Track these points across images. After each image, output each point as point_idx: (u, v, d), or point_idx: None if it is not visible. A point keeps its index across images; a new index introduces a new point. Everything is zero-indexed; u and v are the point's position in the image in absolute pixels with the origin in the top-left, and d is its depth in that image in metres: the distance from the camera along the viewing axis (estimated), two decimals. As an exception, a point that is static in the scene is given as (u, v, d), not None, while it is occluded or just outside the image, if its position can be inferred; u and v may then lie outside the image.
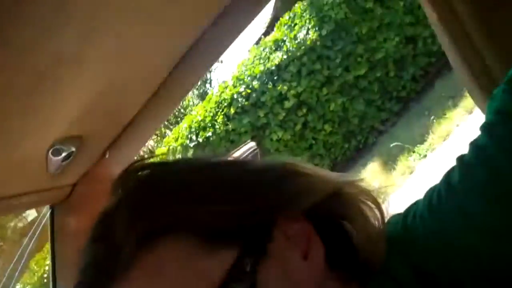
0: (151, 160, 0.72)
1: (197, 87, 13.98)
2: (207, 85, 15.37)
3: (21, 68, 0.74)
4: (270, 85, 7.83)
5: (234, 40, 1.31)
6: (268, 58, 8.08)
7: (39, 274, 8.31)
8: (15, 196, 1.12)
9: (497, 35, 1.14)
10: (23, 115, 0.87)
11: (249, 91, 7.94)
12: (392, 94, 8.06)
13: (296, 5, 8.36)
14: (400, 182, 6.47)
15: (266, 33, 9.53)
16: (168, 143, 8.66)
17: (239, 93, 7.99)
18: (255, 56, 8.35)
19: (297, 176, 0.69)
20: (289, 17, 8.35)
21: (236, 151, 1.88)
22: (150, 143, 11.90)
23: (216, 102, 8.18)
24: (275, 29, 8.62)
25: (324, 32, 7.74)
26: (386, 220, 0.75)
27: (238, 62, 8.68)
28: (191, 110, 10.63)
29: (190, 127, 8.26)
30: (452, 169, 0.70)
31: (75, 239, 1.26)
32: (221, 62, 12.68)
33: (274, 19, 10.07)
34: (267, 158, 0.77)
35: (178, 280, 0.58)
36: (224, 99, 8.08)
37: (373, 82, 7.89)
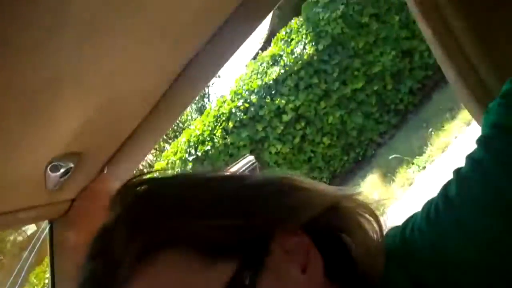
0: (150, 175, 0.72)
1: (195, 101, 14.00)
2: (205, 100, 15.39)
3: (19, 86, 0.74)
4: (268, 99, 7.84)
5: (232, 55, 1.32)
6: (266, 72, 8.10)
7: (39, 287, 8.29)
8: (14, 211, 1.12)
9: (491, 49, 1.14)
10: (21, 132, 0.88)
11: (247, 105, 7.95)
12: (390, 107, 8.08)
13: (293, 20, 8.40)
14: (400, 194, 6.46)
15: (263, 48, 9.56)
16: (167, 157, 8.65)
17: (237, 107, 8.00)
18: (252, 71, 8.37)
19: (295, 190, 0.70)
20: (286, 33, 8.38)
21: (234, 164, 1.87)
22: (149, 157, 11.89)
23: (214, 117, 8.19)
24: (272, 44, 8.64)
25: (320, 47, 7.77)
26: (384, 233, 0.75)
27: (236, 77, 8.70)
28: (190, 125, 10.63)
29: (188, 141, 8.26)
30: (449, 182, 0.71)
31: (74, 253, 1.25)
32: (219, 77, 12.71)
33: (271, 34, 10.11)
34: (266, 172, 0.77)
35: None
36: (223, 113, 8.09)
37: (370, 96, 7.91)
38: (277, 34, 8.62)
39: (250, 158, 1.96)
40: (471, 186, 0.67)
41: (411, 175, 6.64)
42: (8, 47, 0.64)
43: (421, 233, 0.69)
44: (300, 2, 8.63)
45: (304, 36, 8.01)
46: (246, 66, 8.80)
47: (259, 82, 8.01)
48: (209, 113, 8.41)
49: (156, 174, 0.77)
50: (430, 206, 0.71)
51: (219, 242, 0.61)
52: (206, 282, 0.58)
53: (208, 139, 8.05)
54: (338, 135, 7.96)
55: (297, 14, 8.50)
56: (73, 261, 1.21)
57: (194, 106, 14.92)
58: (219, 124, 8.04)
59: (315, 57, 7.80)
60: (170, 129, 12.75)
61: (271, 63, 8.19)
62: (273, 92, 7.88)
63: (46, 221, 1.34)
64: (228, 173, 0.78)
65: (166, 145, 12.37)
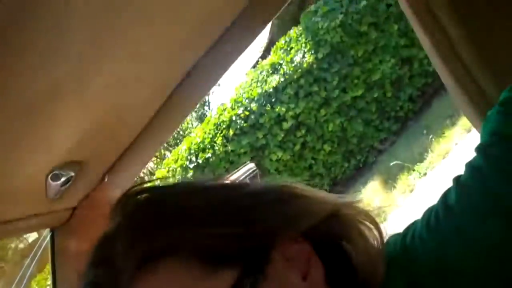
0: (150, 183, 0.73)
1: (195, 109, 14.00)
2: (206, 108, 15.40)
3: (20, 97, 0.75)
4: (268, 107, 7.84)
5: (232, 64, 1.33)
6: (266, 81, 8.11)
7: (41, 295, 8.32)
8: (15, 220, 1.12)
9: (489, 57, 1.15)
10: (22, 142, 0.88)
11: (247, 113, 7.95)
12: (390, 114, 8.08)
13: (292, 29, 8.42)
14: (401, 200, 6.46)
15: (263, 57, 9.58)
16: (167, 164, 8.65)
17: (237, 115, 8.00)
18: (252, 79, 8.38)
19: (295, 198, 0.70)
20: (285, 41, 8.40)
21: (235, 172, 1.88)
22: (150, 164, 11.88)
23: (215, 124, 8.19)
24: (271, 53, 8.65)
25: (320, 55, 7.77)
26: (385, 240, 0.75)
27: (236, 85, 8.71)
28: (190, 132, 10.62)
29: (189, 148, 8.26)
30: (449, 190, 0.71)
31: (75, 261, 1.25)
32: (219, 85, 12.73)
33: (270, 43, 10.13)
34: (266, 180, 0.78)
35: None
36: (223, 121, 8.09)
37: (370, 103, 7.91)
38: (277, 43, 8.64)
39: (251, 165, 1.97)
40: (470, 194, 0.67)
41: (412, 182, 6.63)
42: (9, 60, 0.65)
43: (421, 241, 0.70)
44: (299, 11, 8.66)
45: (303, 45, 8.02)
46: (246, 74, 8.80)
47: (259, 90, 8.02)
48: (209, 121, 8.42)
49: (156, 182, 0.77)
50: (430, 213, 0.71)
51: (219, 250, 0.61)
52: None
53: (209, 146, 8.05)
54: (338, 142, 7.96)
55: (296, 23, 8.51)
56: (74, 268, 1.21)
57: (194, 114, 14.93)
58: (219, 132, 8.05)
59: (314, 66, 7.80)
60: (171, 137, 12.75)
61: (270, 72, 8.19)
62: (273, 100, 7.89)
63: (48, 229, 1.34)
64: (228, 181, 0.78)
65: (167, 153, 12.37)
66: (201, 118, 14.23)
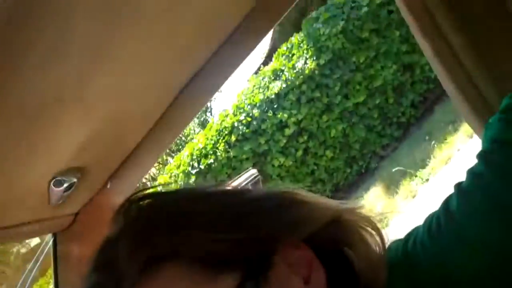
0: (153, 189, 0.73)
1: (197, 115, 14.02)
2: (208, 114, 15.41)
3: (25, 104, 0.75)
4: (270, 113, 7.86)
5: (234, 71, 1.33)
6: (268, 87, 8.12)
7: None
8: (18, 225, 1.12)
9: (490, 65, 1.15)
10: (24, 149, 0.89)
11: (249, 119, 7.96)
12: (392, 120, 8.09)
13: (293, 36, 8.43)
14: (403, 206, 6.46)
15: (265, 63, 9.59)
16: (170, 170, 8.66)
17: (239, 121, 8.01)
18: (254, 86, 8.40)
19: (296, 204, 0.70)
20: (287, 48, 8.42)
21: (237, 178, 1.88)
22: (152, 170, 11.88)
23: (217, 130, 8.20)
24: (273, 59, 8.66)
25: (322, 62, 7.79)
26: (386, 245, 0.75)
27: (238, 91, 8.72)
28: (192, 138, 10.63)
29: (191, 154, 8.27)
30: (450, 196, 0.72)
31: (77, 266, 1.26)
32: (221, 91, 12.74)
33: (272, 50, 10.14)
34: (268, 186, 0.78)
35: None
36: (225, 127, 8.10)
37: (372, 109, 7.93)
38: (278, 49, 8.66)
39: (253, 171, 1.97)
40: (472, 200, 0.68)
41: (414, 187, 6.63)
42: (12, 68, 0.65)
43: (423, 247, 0.70)
44: (301, 18, 8.68)
45: (305, 51, 8.04)
46: (248, 80, 8.81)
47: (261, 97, 8.03)
48: (211, 127, 8.43)
49: (159, 188, 0.78)
50: (432, 219, 0.72)
51: (221, 255, 0.61)
52: None
53: (211, 152, 8.06)
54: (341, 148, 7.97)
55: (298, 30, 8.54)
56: (77, 273, 1.21)
57: (196, 120, 14.93)
58: (221, 138, 8.06)
59: (316, 72, 7.82)
60: (173, 143, 12.75)
61: (272, 78, 8.21)
62: (275, 106, 7.90)
63: (50, 234, 1.35)
64: (229, 188, 0.79)
65: (169, 159, 12.37)
66: (203, 124, 14.23)
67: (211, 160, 7.98)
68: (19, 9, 0.58)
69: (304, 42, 8.11)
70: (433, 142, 6.98)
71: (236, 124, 8.02)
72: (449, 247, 0.67)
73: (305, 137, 7.81)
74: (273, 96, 7.94)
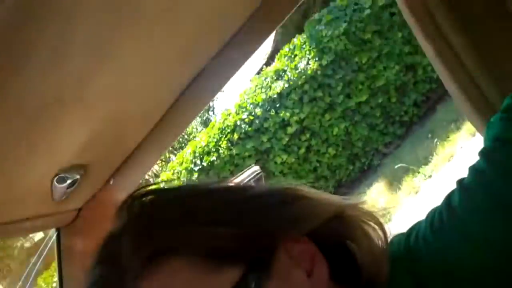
0: (155, 185, 0.73)
1: (200, 114, 14.01)
2: (210, 113, 15.40)
3: (27, 104, 0.76)
4: (272, 112, 7.87)
5: (237, 71, 1.33)
6: (270, 87, 8.13)
7: (47, 292, 8.35)
8: (22, 220, 1.13)
9: (492, 65, 1.16)
10: (27, 147, 0.90)
11: (252, 118, 7.97)
12: (395, 119, 8.10)
13: (296, 37, 8.43)
14: (406, 201, 6.47)
15: (267, 64, 9.59)
16: (172, 167, 8.67)
17: (242, 119, 8.02)
18: (257, 85, 8.40)
19: (298, 200, 0.71)
20: (289, 49, 8.41)
21: (240, 174, 1.89)
22: (155, 167, 11.90)
23: (219, 129, 8.21)
24: (275, 60, 8.66)
25: (324, 62, 7.80)
26: (389, 240, 0.76)
27: (240, 91, 8.73)
28: (195, 137, 10.63)
29: (194, 152, 8.28)
30: (453, 192, 0.73)
31: (81, 260, 1.26)
32: (223, 91, 12.70)
33: (275, 51, 10.14)
34: (271, 182, 0.78)
35: None
36: (227, 126, 8.11)
37: (375, 108, 7.93)
38: (281, 50, 8.66)
39: (256, 168, 1.97)
40: (473, 196, 0.69)
41: (417, 184, 6.64)
42: (12, 69, 0.66)
43: (425, 242, 0.71)
44: (303, 20, 8.68)
45: (307, 52, 8.04)
46: (250, 81, 8.82)
47: (263, 96, 8.04)
48: (214, 125, 8.43)
49: (161, 185, 0.78)
50: (434, 215, 0.73)
51: (224, 249, 0.62)
52: (213, 286, 0.60)
53: (213, 150, 8.07)
54: (343, 146, 7.98)
55: (300, 31, 8.54)
56: (80, 267, 1.22)
57: (199, 119, 14.92)
58: (224, 136, 8.06)
59: (318, 72, 7.83)
60: (176, 141, 12.76)
61: (275, 78, 8.21)
62: (277, 105, 7.91)
63: (54, 229, 1.36)
64: (232, 184, 0.79)
65: (172, 156, 12.38)
66: (205, 123, 14.23)
67: (214, 158, 7.99)
68: (19, 10, 0.59)
69: (307, 43, 8.12)
70: (435, 140, 6.99)
71: (238, 123, 8.03)
72: (451, 243, 0.68)
73: (308, 135, 7.82)
74: (275, 96, 7.95)
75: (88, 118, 0.98)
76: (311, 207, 0.70)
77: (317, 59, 7.87)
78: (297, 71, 7.93)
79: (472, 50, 1.15)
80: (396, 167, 7.13)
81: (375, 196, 7.01)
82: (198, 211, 0.67)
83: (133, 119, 1.19)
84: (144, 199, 0.69)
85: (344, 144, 7.97)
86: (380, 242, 0.74)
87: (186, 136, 13.99)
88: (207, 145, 8.16)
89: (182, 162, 8.43)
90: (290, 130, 7.77)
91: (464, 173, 0.74)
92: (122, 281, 0.61)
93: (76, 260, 1.31)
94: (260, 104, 8.02)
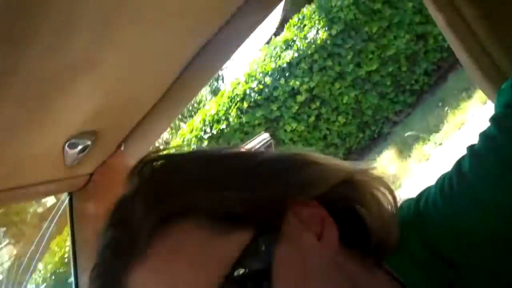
0: (166, 151, 0.74)
1: (209, 83, 13.96)
2: (220, 82, 15.34)
3: (38, 72, 0.76)
4: (282, 81, 7.85)
5: (245, 40, 1.33)
6: (279, 56, 8.09)
7: (60, 255, 8.44)
8: (34, 185, 1.15)
9: (504, 35, 1.15)
10: (38, 113, 0.90)
11: (261, 86, 7.96)
12: (405, 87, 8.06)
13: (305, 7, 8.35)
14: (416, 169, 6.47)
15: (276, 34, 9.51)
16: (182, 135, 8.70)
17: (251, 88, 8.01)
18: (266, 55, 8.36)
19: (308, 165, 0.71)
20: (299, 19, 8.36)
21: (250, 142, 1.89)
22: (165, 135, 11.93)
23: (229, 97, 8.20)
24: (285, 29, 8.60)
25: (334, 32, 7.77)
26: (398, 204, 0.76)
27: (249, 60, 8.68)
28: (205, 105, 10.63)
29: (204, 120, 8.29)
30: (463, 157, 0.73)
31: (93, 223, 1.28)
32: (232, 60, 12.62)
33: (284, 20, 10.04)
34: (281, 149, 0.79)
35: (195, 259, 0.60)
36: (237, 95, 8.10)
37: (385, 77, 7.90)
38: (290, 20, 8.59)
39: (265, 135, 1.98)
40: (484, 161, 0.69)
41: (427, 151, 6.63)
42: (25, 36, 0.66)
43: (435, 207, 0.72)
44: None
45: (316, 22, 7.98)
46: (259, 50, 8.77)
47: (273, 65, 8.01)
48: (223, 94, 8.43)
49: (172, 151, 0.79)
50: (444, 180, 0.73)
51: (234, 213, 0.63)
52: (223, 248, 0.60)
53: (223, 118, 8.08)
54: (353, 114, 7.97)
55: (309, 1, 8.46)
56: (92, 230, 1.24)
57: (208, 88, 14.89)
58: (234, 105, 8.06)
59: (328, 41, 7.79)
60: (185, 109, 12.76)
61: (284, 47, 8.17)
62: (287, 74, 7.89)
63: (66, 194, 1.38)
64: (243, 150, 0.80)
65: (182, 124, 12.40)
66: (215, 92, 14.20)
67: (224, 126, 8.00)
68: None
69: (316, 13, 8.05)
70: (446, 108, 6.96)
71: (248, 92, 8.03)
72: (461, 209, 0.69)
73: (318, 104, 7.81)
74: (285, 65, 7.92)
75: (98, 85, 0.98)
76: (321, 172, 0.71)
77: (326, 28, 7.83)
78: (306, 41, 7.89)
79: (484, 19, 1.14)
80: (406, 135, 7.12)
81: (385, 164, 7.01)
82: (209, 175, 0.67)
83: (142, 87, 1.20)
84: (155, 163, 0.70)
85: (354, 112, 7.96)
86: (389, 207, 0.75)
87: (195, 105, 13.98)
88: (217, 113, 8.17)
89: (192, 130, 8.45)
90: (300, 98, 7.75)
91: (475, 140, 0.74)
92: (133, 243, 0.61)
93: (88, 224, 1.33)
94: (269, 73, 8.00)
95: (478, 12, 1.13)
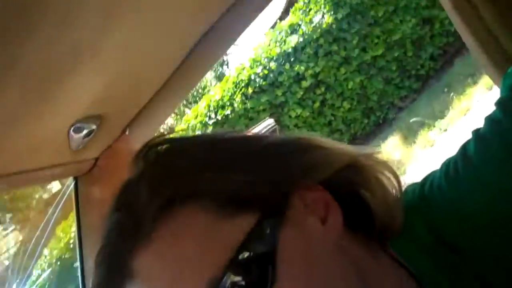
0: (171, 135, 0.74)
1: (214, 69, 13.94)
2: (224, 67, 15.30)
3: (42, 56, 0.76)
4: (287, 66, 7.82)
5: (249, 25, 1.33)
6: (284, 41, 8.07)
7: (65, 240, 8.49)
8: (40, 169, 1.15)
9: (510, 17, 1.14)
10: (45, 97, 0.90)
11: (266, 72, 7.94)
12: (411, 73, 8.03)
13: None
14: (421, 155, 6.47)
15: (281, 18, 9.47)
16: (187, 121, 8.70)
17: (256, 73, 7.99)
18: (271, 40, 8.34)
19: (312, 149, 0.71)
20: (304, 3, 8.31)
21: (255, 127, 1.90)
22: (170, 121, 11.94)
23: (233, 83, 8.19)
24: (290, 14, 8.56)
25: (339, 16, 7.74)
26: (403, 189, 0.76)
27: (254, 46, 8.65)
28: (209, 91, 10.62)
29: (208, 105, 8.29)
30: (468, 141, 0.73)
31: (98, 208, 1.29)
32: (237, 45, 12.56)
33: (289, 5, 9.98)
34: (285, 133, 0.79)
35: (199, 242, 0.60)
36: (242, 80, 8.09)
37: (391, 62, 7.87)
38: (295, 4, 8.54)
39: (270, 121, 1.97)
40: (489, 145, 0.69)
41: (432, 137, 6.62)
42: (31, 20, 0.66)
43: (440, 191, 0.71)
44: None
45: (322, 6, 7.94)
46: (264, 35, 8.74)
47: (278, 50, 7.99)
48: (228, 79, 8.41)
49: (177, 135, 0.79)
50: (449, 164, 0.73)
51: (238, 196, 0.63)
52: (228, 232, 0.60)
53: (228, 104, 8.07)
54: (358, 100, 7.95)
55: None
56: (98, 214, 1.25)
57: (213, 74, 14.87)
58: (238, 90, 8.05)
59: (334, 26, 7.76)
60: (190, 94, 12.75)
61: (289, 32, 8.14)
62: (292, 59, 7.86)
63: (71, 178, 1.38)
64: (247, 134, 0.80)
65: (187, 110, 12.40)
66: (219, 78, 14.17)
67: (228, 111, 8.00)
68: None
69: (322, -3, 8.01)
70: (452, 94, 6.93)
71: (252, 77, 8.01)
72: (467, 193, 0.69)
73: (323, 89, 7.79)
74: (290, 50, 7.90)
75: (103, 69, 0.98)
76: (325, 156, 0.70)
77: (332, 13, 7.78)
78: (312, 25, 7.86)
79: (490, 3, 1.14)
80: (411, 121, 7.10)
81: (389, 150, 7.00)
82: (213, 159, 0.68)
83: (147, 71, 1.20)
84: (159, 147, 0.70)
85: (359, 98, 7.94)
86: (394, 191, 0.75)
87: (200, 90, 13.97)
88: (222, 99, 8.16)
89: (196, 116, 8.45)
90: (304, 84, 7.74)
91: (480, 126, 0.74)
92: (138, 227, 0.62)
93: (94, 208, 1.34)
94: (274, 58, 7.97)
95: None
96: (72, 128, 1.10)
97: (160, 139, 0.71)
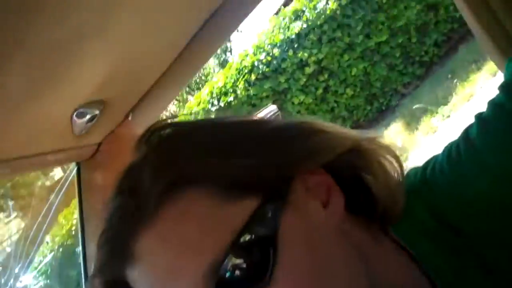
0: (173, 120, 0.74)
1: (217, 55, 13.89)
2: (228, 54, 15.25)
3: (46, 38, 0.76)
4: (290, 53, 7.79)
5: (252, 11, 1.33)
6: (288, 27, 8.03)
7: (67, 227, 8.53)
8: (43, 154, 1.16)
9: None
10: (48, 81, 0.91)
11: (269, 58, 7.91)
12: (415, 59, 8.00)
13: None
14: (424, 141, 6.46)
15: (285, 4, 9.42)
16: (190, 108, 8.69)
17: (259, 60, 7.96)
18: (274, 26, 8.30)
19: (315, 133, 0.71)
20: (308, -11, 8.26)
21: (258, 113, 1.89)
22: (172, 108, 11.93)
23: (237, 69, 8.17)
24: (294, 0, 8.51)
25: (344, 2, 7.69)
26: (405, 173, 0.76)
27: (258, 32, 8.61)
28: (212, 77, 10.60)
29: (211, 92, 8.28)
30: (471, 125, 0.73)
31: (100, 193, 1.30)
32: (241, 31, 12.51)
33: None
34: (288, 118, 0.79)
35: (201, 225, 0.60)
36: (245, 67, 8.06)
37: (395, 48, 7.83)
38: (299, -10, 8.50)
39: (273, 107, 1.97)
40: (492, 128, 0.69)
41: (435, 124, 6.61)
42: (32, 6, 0.66)
43: (442, 174, 0.72)
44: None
45: (326, -8, 7.90)
46: (268, 21, 8.70)
47: (281, 37, 7.96)
48: (231, 66, 8.39)
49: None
50: (451, 148, 0.73)
51: (241, 180, 0.63)
52: (230, 215, 0.60)
53: (231, 90, 8.06)
54: (361, 86, 7.92)
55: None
56: (100, 200, 1.25)
57: (216, 61, 14.83)
58: (241, 77, 8.03)
59: (338, 12, 7.72)
60: (193, 81, 12.72)
61: (293, 18, 8.10)
62: (295, 46, 7.83)
63: (74, 164, 1.39)
64: (249, 118, 0.80)
65: (189, 97, 12.39)
66: (223, 65, 14.13)
67: (231, 98, 7.99)
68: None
69: (326, -17, 7.96)
70: (455, 80, 6.91)
71: (256, 63, 7.98)
72: (469, 176, 0.69)
73: (326, 76, 7.77)
74: (293, 36, 7.86)
75: (106, 54, 0.98)
76: (327, 140, 0.70)
77: (336, -1, 7.75)
78: (316, 11, 7.81)
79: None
80: (414, 107, 7.09)
81: (392, 136, 6.99)
82: (216, 143, 0.68)
83: (150, 56, 1.20)
84: (162, 132, 0.70)
85: (362, 84, 7.92)
86: (396, 175, 0.75)
87: (203, 77, 13.95)
88: (225, 86, 8.15)
89: (199, 103, 8.44)
90: (308, 70, 7.71)
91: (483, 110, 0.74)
92: (141, 209, 0.62)
93: (96, 193, 1.35)
94: (278, 44, 7.94)
95: None
96: (75, 113, 1.10)
97: (163, 123, 0.71)
